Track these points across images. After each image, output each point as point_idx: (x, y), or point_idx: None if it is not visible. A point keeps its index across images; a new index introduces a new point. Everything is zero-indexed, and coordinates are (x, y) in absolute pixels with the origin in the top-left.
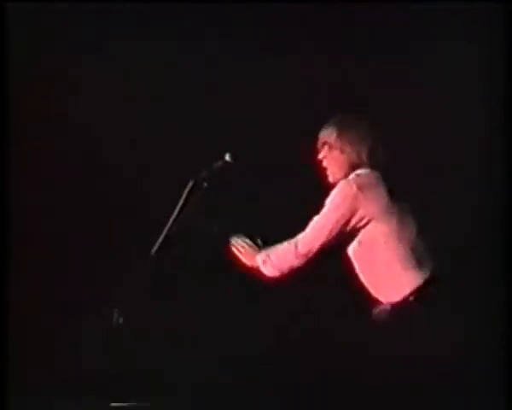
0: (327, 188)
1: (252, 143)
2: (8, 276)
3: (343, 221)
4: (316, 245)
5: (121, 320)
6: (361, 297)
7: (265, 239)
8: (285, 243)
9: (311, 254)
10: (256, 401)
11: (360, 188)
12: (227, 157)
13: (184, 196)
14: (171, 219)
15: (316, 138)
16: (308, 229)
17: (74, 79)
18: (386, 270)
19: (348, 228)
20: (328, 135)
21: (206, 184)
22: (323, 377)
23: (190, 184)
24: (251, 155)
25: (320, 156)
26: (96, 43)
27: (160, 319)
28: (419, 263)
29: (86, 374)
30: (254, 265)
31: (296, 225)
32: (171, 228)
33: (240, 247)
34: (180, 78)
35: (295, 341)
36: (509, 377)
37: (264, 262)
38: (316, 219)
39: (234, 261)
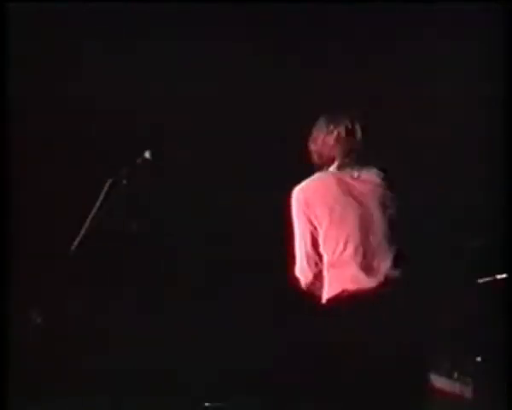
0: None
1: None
2: (8, 276)
3: (306, 226)
4: (301, 258)
5: (39, 320)
6: None
7: None
8: None
9: (305, 271)
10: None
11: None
12: (147, 155)
13: (103, 193)
14: (90, 217)
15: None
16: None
17: (74, 79)
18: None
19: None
20: (316, 127)
21: (125, 182)
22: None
23: (109, 181)
24: (175, 153)
25: (310, 146)
26: (95, 43)
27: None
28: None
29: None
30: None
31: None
32: (89, 226)
33: None
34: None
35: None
36: (510, 376)
37: None
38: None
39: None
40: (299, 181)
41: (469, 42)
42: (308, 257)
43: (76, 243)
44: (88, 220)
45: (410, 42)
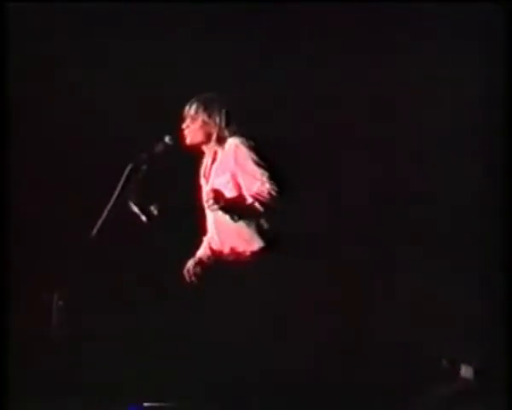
0: None
1: None
2: (8, 276)
3: None
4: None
5: (61, 303)
6: None
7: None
8: None
9: None
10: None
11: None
12: (167, 139)
13: (123, 179)
14: (111, 202)
15: None
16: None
17: (74, 78)
18: None
19: None
20: (191, 109)
21: (145, 167)
22: None
23: (129, 167)
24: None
25: (183, 126)
26: (96, 43)
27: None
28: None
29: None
30: None
31: None
32: (110, 211)
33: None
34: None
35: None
36: (510, 376)
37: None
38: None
39: None
40: None
41: (469, 42)
42: None
43: (96, 228)
44: (108, 206)
45: (409, 42)
